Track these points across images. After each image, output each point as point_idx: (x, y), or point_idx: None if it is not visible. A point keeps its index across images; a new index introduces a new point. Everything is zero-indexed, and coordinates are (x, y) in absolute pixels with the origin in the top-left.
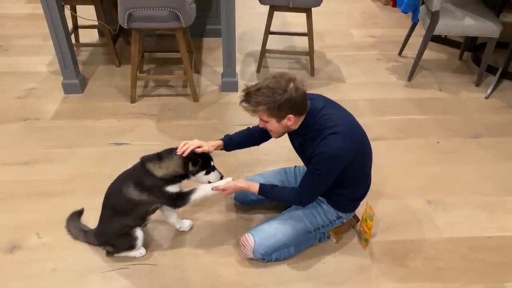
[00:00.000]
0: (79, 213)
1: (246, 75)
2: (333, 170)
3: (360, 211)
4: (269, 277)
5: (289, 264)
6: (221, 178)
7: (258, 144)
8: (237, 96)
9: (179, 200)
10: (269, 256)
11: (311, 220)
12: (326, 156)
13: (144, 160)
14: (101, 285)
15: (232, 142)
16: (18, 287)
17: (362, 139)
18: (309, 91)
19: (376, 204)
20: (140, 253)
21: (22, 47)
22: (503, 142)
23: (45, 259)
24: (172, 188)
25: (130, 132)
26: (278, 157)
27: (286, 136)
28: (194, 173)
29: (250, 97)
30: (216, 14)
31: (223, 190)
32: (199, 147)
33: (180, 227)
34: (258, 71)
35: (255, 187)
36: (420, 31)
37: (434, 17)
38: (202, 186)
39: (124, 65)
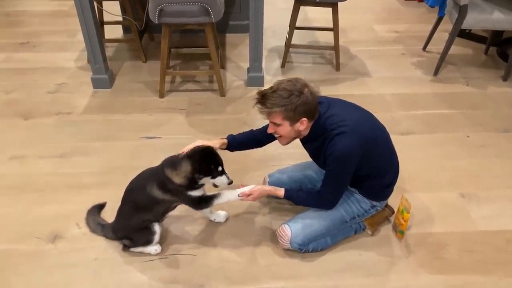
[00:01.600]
0: (100, 207)
1: (271, 70)
2: (347, 168)
3: (395, 203)
4: (307, 268)
5: (326, 256)
6: (230, 183)
7: (262, 146)
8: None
9: (202, 203)
10: (306, 247)
11: (346, 209)
12: (336, 156)
13: (164, 166)
14: (142, 274)
15: (236, 142)
16: (62, 276)
17: (371, 129)
18: (335, 86)
19: (409, 197)
20: (155, 249)
21: (50, 43)
22: None
23: (87, 249)
24: (195, 193)
25: (160, 126)
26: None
27: None
28: (201, 178)
29: (267, 99)
30: (239, 9)
31: (249, 195)
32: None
33: (215, 219)
34: (283, 66)
35: (280, 192)
36: (444, 26)
37: (462, 11)
38: (227, 192)
39: (150, 61)
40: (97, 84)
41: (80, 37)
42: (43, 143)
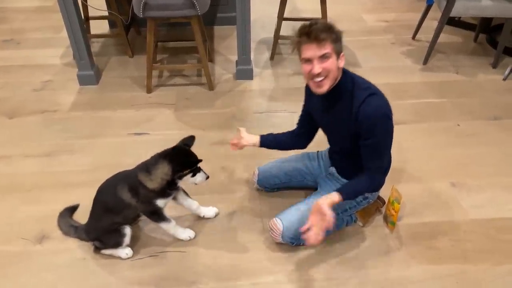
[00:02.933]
0: (72, 209)
1: (260, 62)
2: (389, 130)
3: (386, 194)
4: (299, 262)
5: (316, 248)
6: (207, 178)
7: (289, 149)
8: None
9: (156, 215)
10: (298, 241)
11: None
12: (377, 117)
13: (138, 170)
14: (132, 273)
15: (267, 140)
16: (50, 277)
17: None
18: None
19: (400, 188)
20: (126, 253)
21: (34, 40)
22: None
23: (75, 249)
24: (160, 203)
25: (148, 122)
26: None
27: None
28: (181, 177)
29: (314, 29)
30: (227, 1)
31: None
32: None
33: (204, 215)
34: (272, 58)
35: (336, 197)
36: (432, 14)
37: None
38: (179, 228)
39: (137, 56)
40: (83, 80)
41: (65, 33)
42: (29, 142)
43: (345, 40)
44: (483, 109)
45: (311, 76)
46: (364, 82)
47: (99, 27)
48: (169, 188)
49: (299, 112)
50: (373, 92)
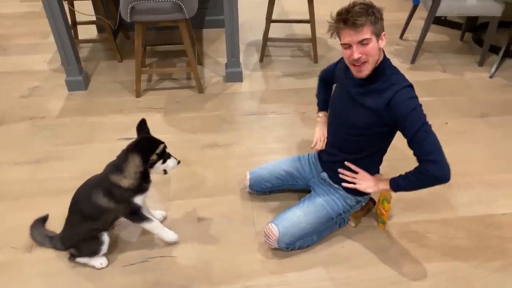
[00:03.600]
0: (43, 220)
1: (249, 65)
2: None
3: (376, 194)
4: (291, 264)
5: (309, 250)
6: (178, 163)
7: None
8: (242, 85)
9: (137, 215)
10: (293, 245)
11: (332, 206)
12: (419, 110)
13: (108, 173)
14: (123, 279)
15: (326, 106)
16: (41, 285)
17: None
18: (314, 78)
19: None
20: (101, 263)
21: (21, 46)
22: (510, 120)
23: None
24: (139, 200)
25: None
26: (289, 146)
27: (290, 123)
28: (152, 165)
29: (351, 14)
30: (215, 4)
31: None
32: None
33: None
34: (261, 60)
35: (386, 185)
36: (420, 14)
37: None
38: (157, 224)
39: (126, 60)
40: (71, 86)
41: (52, 38)
42: (17, 149)
43: (333, 41)
44: (470, 107)
45: (352, 61)
46: (399, 73)
47: (87, 32)
48: (145, 182)
49: (289, 113)
50: (411, 85)
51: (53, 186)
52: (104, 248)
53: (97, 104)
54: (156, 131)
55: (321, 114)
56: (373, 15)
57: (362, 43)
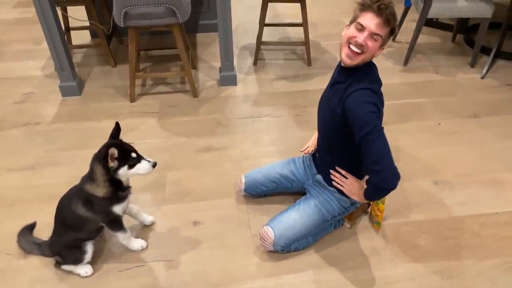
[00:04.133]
0: (30, 227)
1: (243, 68)
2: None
3: None
4: (287, 266)
5: (305, 253)
6: (154, 166)
7: None
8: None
9: (116, 223)
10: (289, 247)
11: (327, 209)
12: (369, 111)
13: (83, 183)
14: (120, 284)
15: None
16: None
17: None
18: (307, 81)
19: None
20: (86, 271)
21: (14, 52)
22: (502, 120)
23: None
24: (118, 209)
25: (132, 131)
26: (284, 148)
27: (284, 126)
28: (115, 172)
29: (388, 10)
30: (208, 8)
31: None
32: None
33: (143, 221)
34: (255, 63)
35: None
36: (412, 16)
37: (427, 0)
38: (128, 236)
39: (120, 65)
40: (65, 91)
41: (45, 44)
42: (12, 155)
43: (326, 43)
44: (463, 108)
45: (351, 42)
46: (372, 76)
47: (81, 37)
48: (120, 190)
49: (283, 116)
50: (371, 88)
51: (48, 192)
52: (88, 257)
53: (91, 110)
54: (150, 136)
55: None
56: (394, 27)
57: (374, 36)
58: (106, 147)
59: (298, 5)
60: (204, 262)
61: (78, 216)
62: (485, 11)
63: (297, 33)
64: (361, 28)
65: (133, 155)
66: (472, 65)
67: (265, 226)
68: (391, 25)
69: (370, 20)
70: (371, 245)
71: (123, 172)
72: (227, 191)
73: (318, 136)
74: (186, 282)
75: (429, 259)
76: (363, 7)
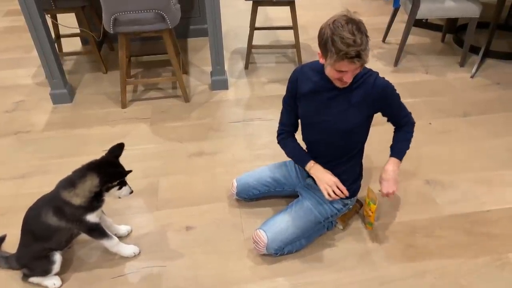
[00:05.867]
0: (0, 240)
1: (235, 72)
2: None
3: (362, 195)
4: (280, 269)
5: (298, 255)
6: (131, 193)
7: None
8: (228, 93)
9: (96, 231)
10: (282, 250)
11: (320, 211)
12: (389, 85)
13: (59, 188)
14: None
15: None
16: None
17: None
18: None
19: (376, 188)
20: (54, 283)
21: (5, 60)
22: (492, 119)
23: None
24: (92, 217)
25: (124, 137)
26: (276, 152)
27: (276, 129)
28: (108, 190)
29: (362, 54)
30: (199, 13)
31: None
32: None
33: (116, 233)
34: (246, 67)
35: (397, 163)
36: (401, 17)
37: (416, 1)
38: (122, 244)
39: (111, 71)
40: (56, 99)
41: (36, 52)
42: (3, 164)
43: (317, 46)
44: (453, 107)
45: (339, 80)
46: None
47: (71, 44)
48: (96, 201)
49: (275, 120)
50: (377, 73)
51: None
52: (56, 267)
53: (83, 117)
54: (142, 141)
55: (312, 163)
56: (368, 50)
57: (356, 70)
58: (114, 166)
59: (287, 8)
60: (198, 266)
61: (48, 226)
62: (473, 11)
63: (287, 36)
64: (343, 71)
65: (124, 178)
66: (462, 64)
67: (257, 230)
68: (367, 55)
69: (348, 66)
70: (364, 246)
71: (113, 191)
72: (220, 195)
73: (312, 146)
74: (179, 287)
75: (421, 258)
76: (337, 58)
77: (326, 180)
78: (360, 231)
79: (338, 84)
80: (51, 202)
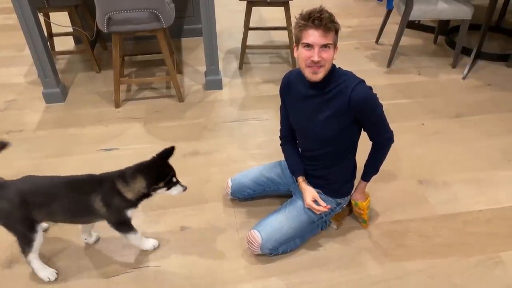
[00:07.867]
0: None
1: (229, 72)
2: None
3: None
4: (275, 269)
5: (292, 254)
6: (184, 190)
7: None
8: (222, 93)
9: (125, 225)
10: (276, 250)
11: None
12: (368, 97)
13: (115, 178)
14: None
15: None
16: None
17: None
18: None
19: (370, 188)
20: (48, 278)
21: None
22: (484, 119)
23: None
24: (130, 213)
25: (118, 137)
26: (270, 151)
27: (270, 129)
28: (155, 190)
29: (325, 16)
30: (193, 13)
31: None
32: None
33: (86, 239)
34: (240, 67)
35: (364, 185)
36: (394, 19)
37: (409, 3)
38: (145, 239)
39: (104, 71)
40: (49, 98)
41: (28, 51)
42: None
43: None
44: (445, 108)
45: (309, 63)
46: (348, 72)
47: (64, 43)
48: (143, 199)
49: (269, 119)
50: (361, 81)
51: None
52: (38, 240)
53: (76, 116)
54: (136, 141)
55: (300, 178)
56: (337, 25)
57: (325, 47)
58: (160, 167)
59: (282, 8)
60: (192, 266)
61: (87, 206)
62: (465, 13)
63: (281, 37)
64: (309, 46)
65: (174, 179)
66: (454, 65)
67: (252, 230)
68: (334, 28)
69: (313, 36)
70: (357, 245)
71: (160, 191)
72: (214, 195)
73: (303, 149)
74: (174, 287)
75: (416, 257)
76: (301, 27)
77: (307, 202)
78: (354, 231)
79: (310, 75)
80: (104, 186)
